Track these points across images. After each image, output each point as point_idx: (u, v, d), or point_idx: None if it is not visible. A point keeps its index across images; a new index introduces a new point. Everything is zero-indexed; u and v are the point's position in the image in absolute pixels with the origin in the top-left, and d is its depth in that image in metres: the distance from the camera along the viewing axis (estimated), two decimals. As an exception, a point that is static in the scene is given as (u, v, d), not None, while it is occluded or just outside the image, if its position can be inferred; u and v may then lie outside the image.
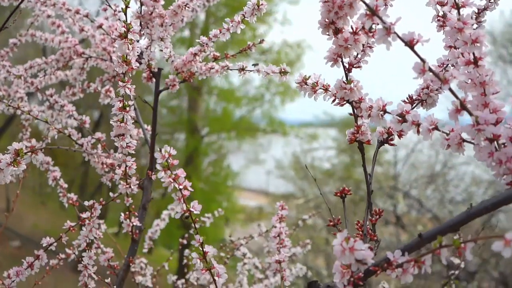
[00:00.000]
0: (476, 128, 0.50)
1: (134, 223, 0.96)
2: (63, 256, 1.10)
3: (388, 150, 8.30)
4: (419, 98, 0.68)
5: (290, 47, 10.22)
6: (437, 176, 6.94)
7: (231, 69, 0.95)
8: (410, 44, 0.50)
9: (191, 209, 0.62)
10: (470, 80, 0.55)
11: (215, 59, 0.97)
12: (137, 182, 0.91)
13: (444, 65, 0.69)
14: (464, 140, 0.54)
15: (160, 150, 0.60)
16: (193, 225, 0.63)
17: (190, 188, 0.62)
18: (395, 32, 0.50)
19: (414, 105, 0.67)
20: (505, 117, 0.53)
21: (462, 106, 0.51)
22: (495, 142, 0.50)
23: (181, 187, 0.61)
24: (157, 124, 1.01)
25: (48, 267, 1.12)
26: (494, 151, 0.50)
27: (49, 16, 1.18)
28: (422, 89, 0.68)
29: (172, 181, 0.61)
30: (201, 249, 0.64)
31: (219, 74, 0.95)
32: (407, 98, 0.68)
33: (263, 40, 0.98)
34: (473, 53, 0.53)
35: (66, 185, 1.09)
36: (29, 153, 0.64)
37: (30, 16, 1.30)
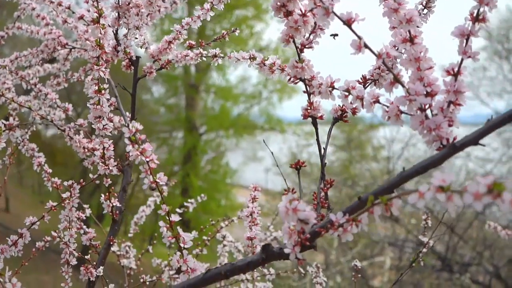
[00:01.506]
0: (408, 98, 0.55)
1: (114, 204, 1.00)
2: (48, 239, 1.15)
3: (384, 147, 8.36)
4: (372, 78, 0.72)
5: (283, 48, 10.25)
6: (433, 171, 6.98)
7: (204, 56, 1.00)
8: (348, 23, 0.55)
9: (157, 180, 0.67)
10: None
11: (190, 47, 1.02)
12: (116, 164, 0.95)
13: (396, 47, 0.74)
14: (401, 112, 0.59)
15: (128, 126, 0.65)
16: (160, 195, 0.68)
17: (156, 161, 0.67)
18: (333, 12, 0.55)
19: (367, 84, 0.72)
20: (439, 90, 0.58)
21: (395, 79, 0.56)
22: (425, 112, 0.55)
23: (148, 159, 0.66)
24: (135, 110, 1.06)
25: (34, 249, 1.17)
26: (424, 120, 0.55)
27: (33, 9, 1.22)
28: (375, 69, 0.72)
29: (139, 154, 0.66)
30: (167, 218, 0.69)
31: (193, 61, 1.00)
32: (360, 78, 0.73)
33: (236, 29, 1.03)
34: (409, 31, 0.58)
35: (50, 170, 1.14)
36: (7, 131, 0.69)
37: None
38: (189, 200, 1.40)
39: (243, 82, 12.04)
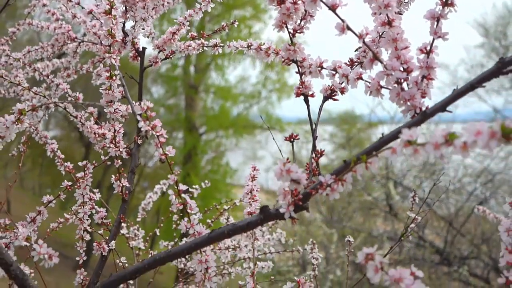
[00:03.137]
0: (385, 73, 0.63)
1: (124, 184, 1.08)
2: (61, 220, 1.23)
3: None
4: (358, 60, 0.80)
5: (283, 41, 10.34)
6: (431, 166, 7.07)
7: (206, 46, 1.08)
8: (332, 7, 0.63)
9: (167, 152, 0.75)
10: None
11: (192, 38, 1.10)
12: (125, 146, 1.03)
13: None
14: (381, 86, 0.67)
15: (140, 104, 0.73)
16: (169, 166, 0.76)
17: (165, 136, 0.75)
18: (320, -1, 0.63)
19: (354, 65, 0.80)
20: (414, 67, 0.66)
21: (374, 57, 0.64)
22: (402, 85, 0.63)
23: (158, 134, 0.74)
24: (142, 98, 1.14)
25: (48, 229, 1.25)
26: (400, 92, 0.63)
27: (44, 5, 1.30)
28: (361, 52, 0.80)
29: (150, 129, 0.74)
30: (176, 187, 0.77)
31: (195, 50, 1.08)
32: (348, 61, 0.81)
33: (235, 21, 1.11)
34: (387, 16, 0.66)
35: (63, 156, 1.22)
36: (30, 111, 0.77)
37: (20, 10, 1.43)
38: (193, 186, 1.48)
39: (242, 82, 12.13)
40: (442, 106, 0.59)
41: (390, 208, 5.96)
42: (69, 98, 1.20)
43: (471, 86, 0.57)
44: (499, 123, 0.40)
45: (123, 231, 1.39)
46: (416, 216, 1.17)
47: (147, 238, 1.47)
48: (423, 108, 0.62)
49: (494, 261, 5.98)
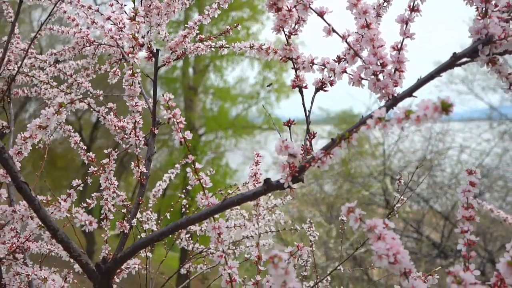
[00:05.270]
0: (364, 67, 0.78)
1: (142, 170, 1.23)
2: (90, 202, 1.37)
3: (382, 143, 8.60)
4: (344, 57, 0.95)
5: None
6: (427, 162, 7.22)
7: (213, 47, 1.22)
8: (320, 14, 0.78)
9: (185, 136, 0.90)
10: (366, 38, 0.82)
11: (201, 40, 1.24)
12: (144, 136, 1.18)
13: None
14: (362, 78, 0.82)
15: (163, 95, 0.88)
16: (186, 147, 0.91)
17: (184, 122, 0.90)
18: (310, 7, 0.77)
19: (341, 62, 0.95)
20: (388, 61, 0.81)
21: (355, 54, 0.79)
22: (378, 76, 0.78)
23: (178, 120, 0.89)
24: (156, 93, 1.28)
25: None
26: (376, 82, 0.78)
27: (65, 12, 1.45)
28: (346, 50, 0.95)
29: (171, 116, 0.88)
30: (193, 166, 0.91)
31: (204, 51, 1.22)
32: (336, 57, 0.96)
33: (237, 24, 1.26)
34: (365, 20, 0.81)
35: (85, 147, 1.37)
36: (69, 104, 0.91)
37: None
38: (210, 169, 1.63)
39: (240, 82, 12.27)
40: (408, 93, 0.74)
41: (387, 203, 6.12)
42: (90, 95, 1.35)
43: (431, 76, 0.72)
44: (440, 100, 0.55)
45: (138, 215, 1.54)
46: (401, 197, 1.31)
47: (159, 221, 1.62)
48: (395, 95, 0.77)
49: (490, 253, 6.13)
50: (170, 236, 1.84)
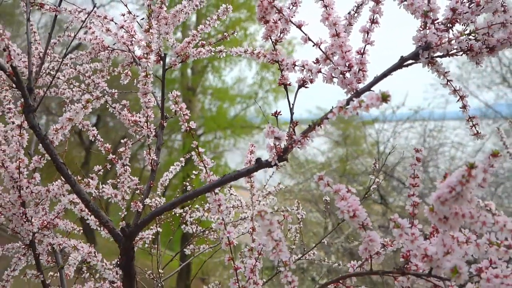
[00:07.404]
0: (334, 67, 0.98)
1: (153, 157, 1.43)
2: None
3: (380, 142, 8.82)
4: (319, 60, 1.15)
5: (281, 45, 10.68)
6: (423, 159, 7.40)
7: (213, 52, 1.43)
8: (299, 26, 0.98)
9: (190, 125, 1.10)
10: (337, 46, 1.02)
11: (202, 46, 1.44)
12: (154, 128, 1.38)
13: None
14: (333, 76, 1.02)
15: (172, 92, 1.08)
16: (191, 135, 1.11)
17: (188, 114, 1.10)
18: (290, 21, 0.97)
19: (319, 63, 1.15)
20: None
21: (327, 57, 0.99)
22: (345, 75, 0.98)
23: (184, 113, 1.09)
24: (164, 93, 1.48)
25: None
26: (344, 79, 0.98)
27: (83, 21, 1.65)
28: (321, 54, 1.15)
29: (179, 110, 1.09)
30: (197, 150, 1.11)
31: (205, 55, 1.43)
32: (315, 59, 1.16)
33: (234, 31, 1.46)
34: (335, 30, 1.01)
35: (102, 139, 1.56)
36: (95, 99, 1.11)
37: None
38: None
39: (239, 83, 12.47)
40: (367, 88, 0.94)
41: (381, 198, 6.32)
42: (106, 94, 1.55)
43: (384, 75, 0.93)
44: (381, 92, 0.75)
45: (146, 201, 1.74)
46: (377, 180, 1.51)
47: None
48: (359, 89, 0.97)
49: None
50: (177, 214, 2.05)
